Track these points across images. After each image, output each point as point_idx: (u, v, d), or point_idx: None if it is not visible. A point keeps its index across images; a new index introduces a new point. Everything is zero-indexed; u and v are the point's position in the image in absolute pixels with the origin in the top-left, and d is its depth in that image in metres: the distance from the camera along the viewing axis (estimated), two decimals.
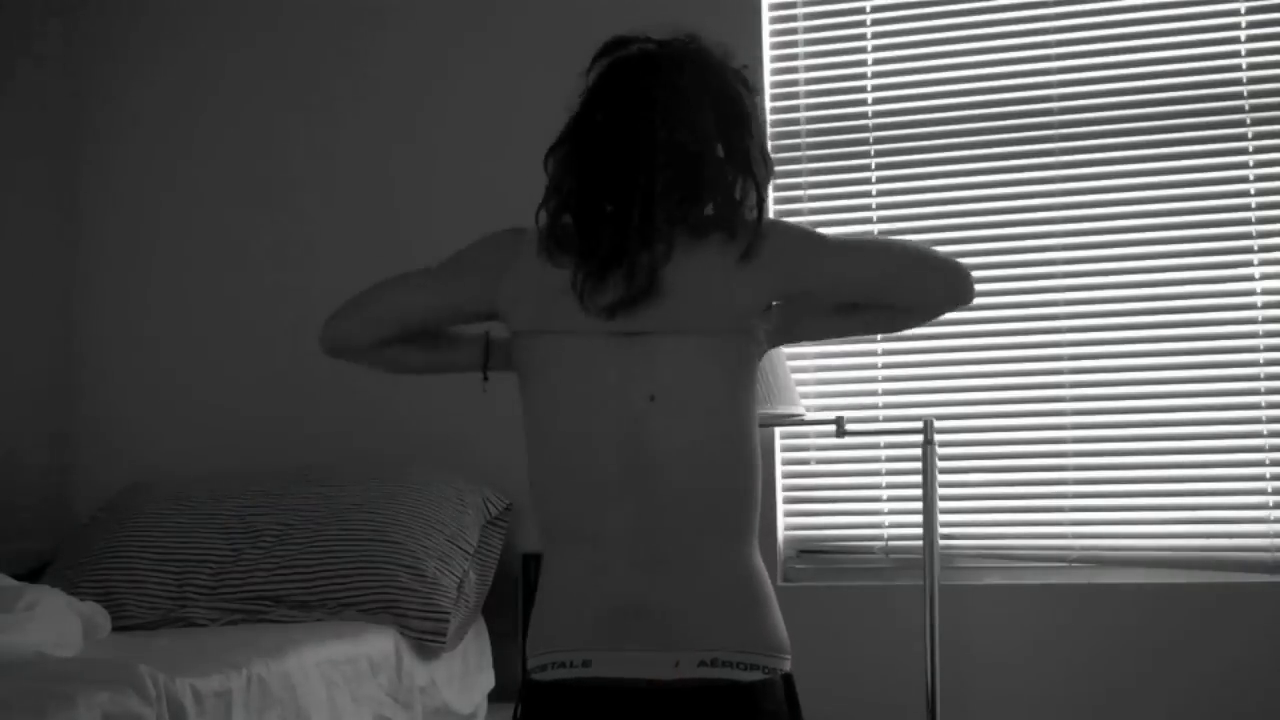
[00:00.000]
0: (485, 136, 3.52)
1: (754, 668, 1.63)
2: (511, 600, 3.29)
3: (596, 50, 1.91)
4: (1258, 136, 3.09)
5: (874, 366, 3.28)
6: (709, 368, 1.67)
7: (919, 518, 2.91)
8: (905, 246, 1.83)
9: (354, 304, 1.86)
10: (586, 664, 1.63)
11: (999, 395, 3.20)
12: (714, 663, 1.61)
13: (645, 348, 1.66)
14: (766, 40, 3.35)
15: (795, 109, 3.35)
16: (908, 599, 3.02)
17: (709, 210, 1.72)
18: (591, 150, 1.74)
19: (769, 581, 1.73)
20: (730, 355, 1.68)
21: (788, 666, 1.70)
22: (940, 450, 2.98)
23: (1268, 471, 3.03)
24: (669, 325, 1.65)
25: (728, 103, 1.77)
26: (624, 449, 1.65)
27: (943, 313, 1.81)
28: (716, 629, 1.63)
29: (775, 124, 3.35)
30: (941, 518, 3.01)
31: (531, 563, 3.28)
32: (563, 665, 1.64)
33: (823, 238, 1.77)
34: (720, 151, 1.73)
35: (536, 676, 1.67)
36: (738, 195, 1.73)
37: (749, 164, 1.74)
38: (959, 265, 1.76)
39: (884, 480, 3.25)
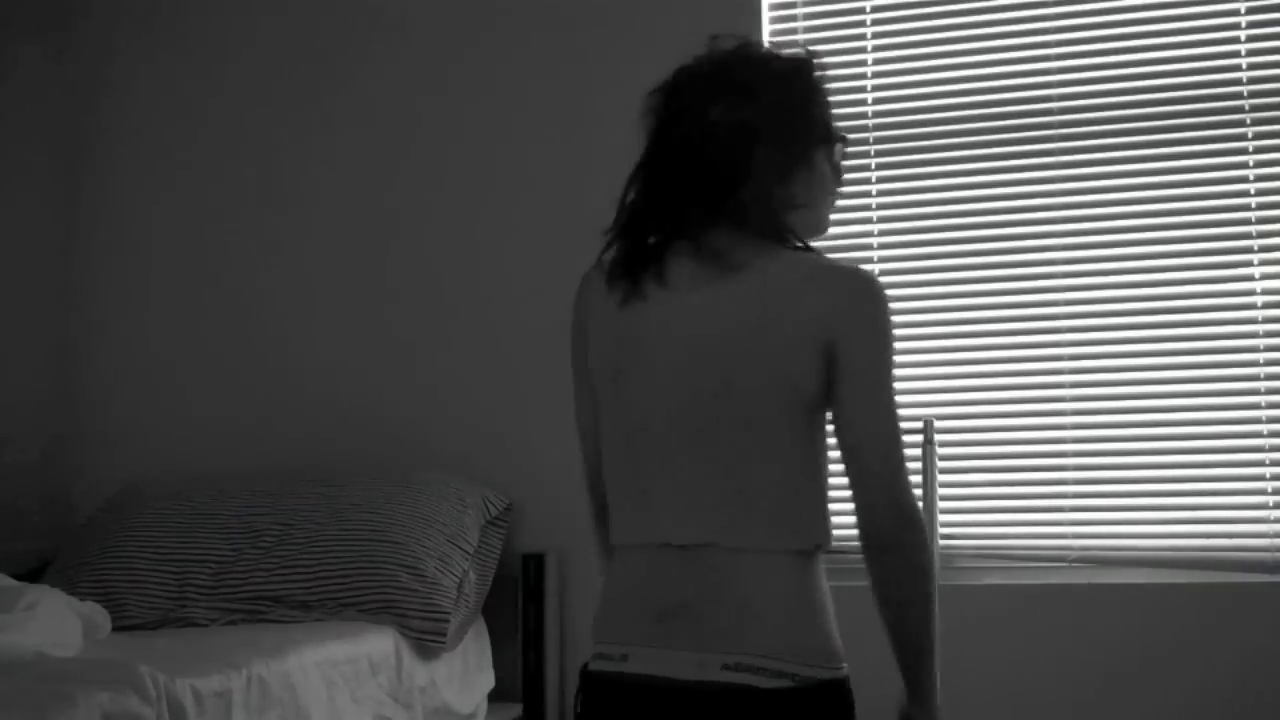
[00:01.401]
0: (488, 143, 3.52)
1: (781, 674, 1.61)
2: (511, 600, 3.29)
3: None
4: (1258, 136, 3.09)
5: None
6: None
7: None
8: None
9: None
10: (624, 658, 1.65)
11: (999, 395, 3.20)
12: (737, 667, 1.60)
13: None
14: (766, 40, 3.35)
15: None
16: None
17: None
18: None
19: (820, 588, 1.75)
20: None
21: (831, 674, 1.71)
22: (940, 450, 2.98)
23: (1268, 471, 3.03)
24: None
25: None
26: None
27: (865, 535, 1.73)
28: (749, 632, 1.63)
29: None
30: (941, 518, 3.01)
31: (531, 563, 3.28)
32: (606, 657, 1.68)
33: None
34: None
35: (589, 665, 1.71)
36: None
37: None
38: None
39: None
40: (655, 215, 1.69)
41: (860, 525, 1.69)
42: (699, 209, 1.67)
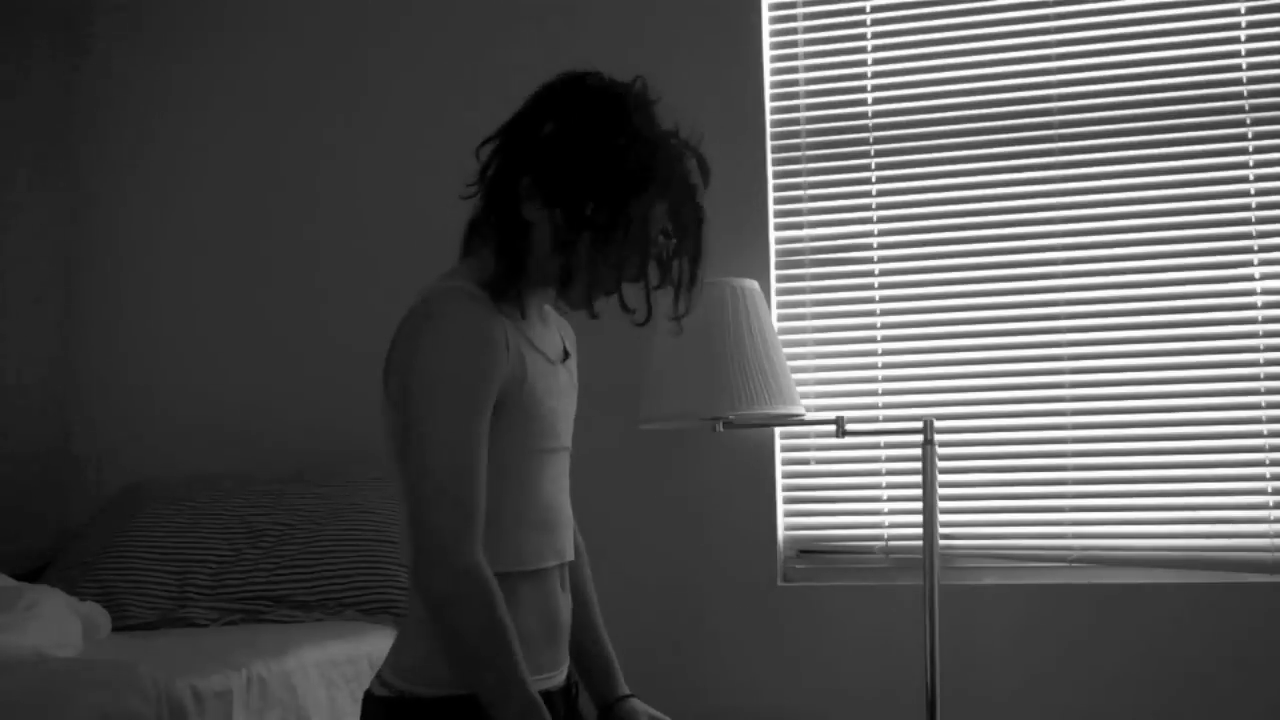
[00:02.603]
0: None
1: (386, 685, 1.67)
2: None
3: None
4: (1258, 136, 3.09)
5: (874, 366, 3.28)
6: None
7: (919, 518, 2.91)
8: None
9: None
10: None
11: (999, 395, 3.20)
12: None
13: None
14: (766, 40, 3.35)
15: (795, 109, 3.35)
16: (908, 599, 3.02)
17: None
18: None
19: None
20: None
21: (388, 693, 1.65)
22: (940, 450, 2.98)
23: (1268, 471, 3.03)
24: None
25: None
26: None
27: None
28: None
29: (775, 124, 3.35)
30: (941, 518, 3.01)
31: None
32: None
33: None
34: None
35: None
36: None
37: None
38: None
39: (884, 480, 3.25)
40: None
41: None
42: None
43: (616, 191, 1.59)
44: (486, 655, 1.53)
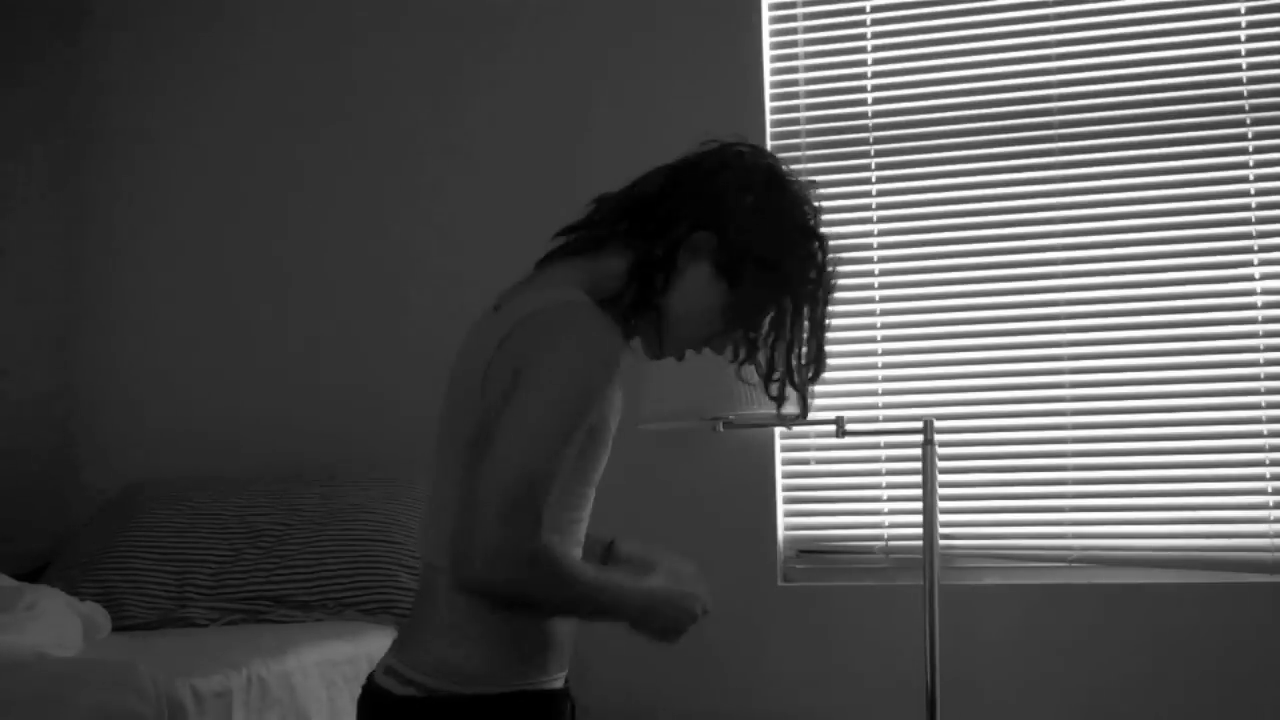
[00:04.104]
0: (492, 150, 3.52)
1: (410, 683, 1.62)
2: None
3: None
4: (1258, 136, 3.09)
5: (874, 366, 3.28)
6: None
7: (919, 518, 2.91)
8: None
9: None
10: None
11: (999, 395, 3.20)
12: (386, 671, 1.66)
13: None
14: (766, 40, 3.35)
15: (795, 109, 3.35)
16: (908, 599, 3.02)
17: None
18: None
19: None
20: None
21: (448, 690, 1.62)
22: (940, 450, 2.98)
23: (1268, 471, 3.03)
24: None
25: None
26: None
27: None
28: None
29: (775, 124, 3.35)
30: (941, 518, 3.01)
31: None
32: None
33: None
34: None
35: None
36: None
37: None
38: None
39: (884, 480, 3.25)
40: None
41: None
42: None
43: (783, 283, 1.67)
44: (580, 605, 1.59)
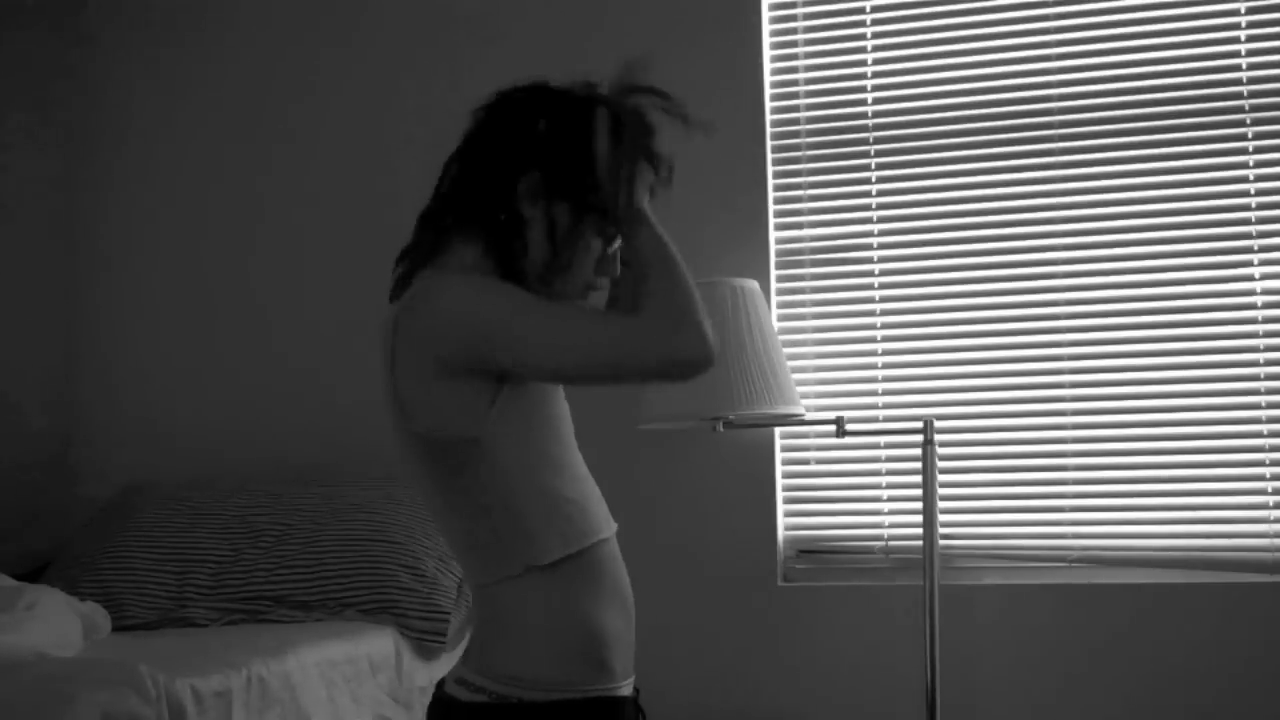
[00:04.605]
0: None
1: (480, 690, 1.63)
2: None
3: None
4: (1258, 136, 3.09)
5: (874, 366, 3.28)
6: None
7: (919, 518, 2.91)
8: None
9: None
10: None
11: (999, 395, 3.20)
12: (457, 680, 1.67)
13: None
14: (766, 40, 3.35)
15: (795, 109, 3.35)
16: (908, 599, 3.02)
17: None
18: None
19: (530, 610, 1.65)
20: None
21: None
22: (940, 450, 2.98)
23: (1268, 471, 3.03)
24: None
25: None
26: None
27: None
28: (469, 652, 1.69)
29: (775, 124, 3.35)
30: (941, 518, 3.01)
31: None
32: None
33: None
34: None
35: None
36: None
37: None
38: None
39: (884, 480, 3.25)
40: None
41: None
42: None
43: (615, 170, 1.67)
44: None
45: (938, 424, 2.92)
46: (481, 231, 1.68)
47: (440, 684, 1.70)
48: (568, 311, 1.65)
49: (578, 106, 1.70)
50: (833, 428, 2.98)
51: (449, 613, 2.95)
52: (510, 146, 1.69)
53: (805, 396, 3.21)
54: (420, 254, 1.72)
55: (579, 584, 1.63)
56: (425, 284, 1.65)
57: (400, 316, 1.64)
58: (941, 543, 2.98)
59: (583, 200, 1.66)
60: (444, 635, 2.92)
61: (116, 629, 2.83)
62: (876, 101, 3.31)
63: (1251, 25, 3.10)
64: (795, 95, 3.35)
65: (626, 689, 1.68)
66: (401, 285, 1.71)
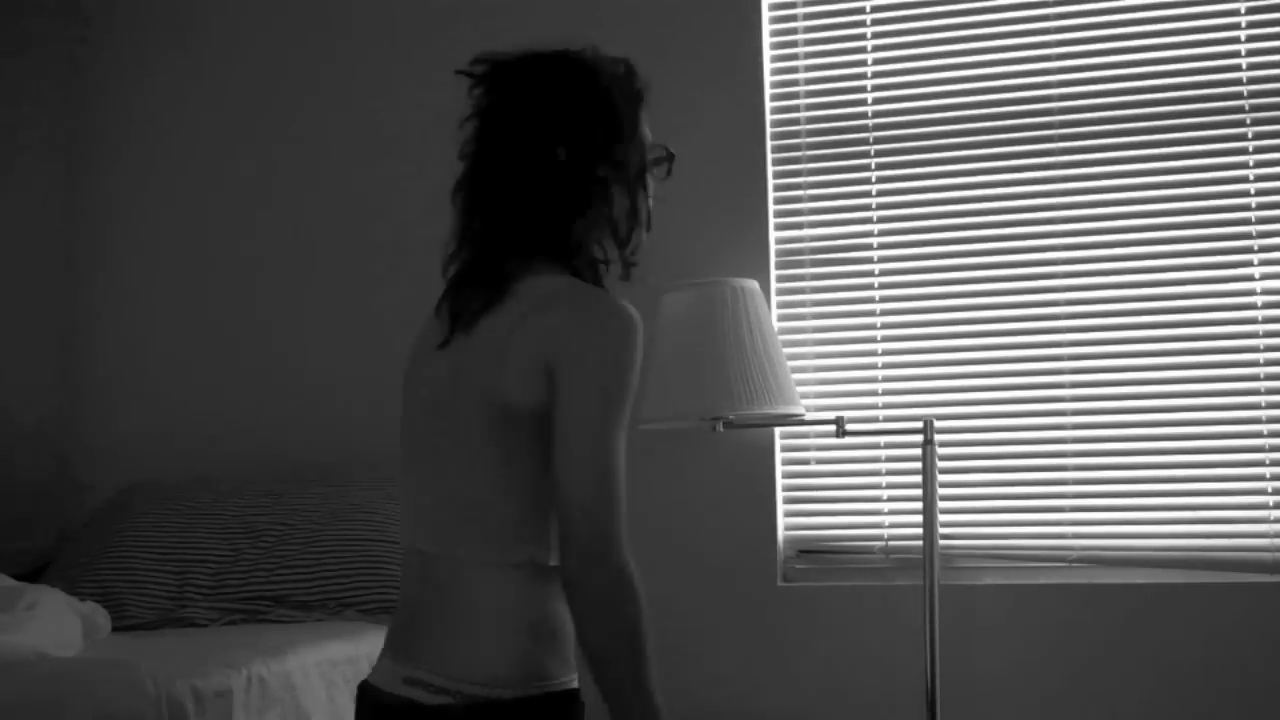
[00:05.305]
0: None
1: (443, 691, 1.59)
2: None
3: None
4: (1258, 136, 3.09)
5: (874, 366, 3.28)
6: None
7: (919, 518, 2.91)
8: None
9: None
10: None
11: (999, 395, 3.20)
12: (409, 681, 1.62)
13: None
14: (766, 40, 3.35)
15: (795, 109, 3.35)
16: (908, 599, 3.02)
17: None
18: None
19: (530, 606, 1.64)
20: None
21: (494, 695, 1.59)
22: (940, 450, 2.98)
23: (1268, 471, 3.03)
24: None
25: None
26: None
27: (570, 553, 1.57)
28: (424, 647, 1.63)
29: (775, 124, 3.35)
30: (941, 518, 3.01)
31: None
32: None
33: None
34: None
35: None
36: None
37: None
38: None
39: (884, 480, 3.25)
40: None
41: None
42: None
43: (637, 139, 1.76)
44: (634, 656, 1.58)
45: (938, 424, 2.92)
46: (572, 212, 1.70)
47: (370, 687, 1.66)
48: (618, 447, 1.59)
49: (589, 72, 1.82)
50: (833, 428, 2.98)
51: None
52: (540, 123, 1.77)
53: (805, 396, 3.21)
54: (506, 242, 1.71)
55: (556, 586, 1.61)
56: (587, 297, 1.65)
57: (554, 304, 1.62)
58: (941, 543, 2.98)
59: (622, 162, 1.71)
60: None
61: (116, 629, 2.83)
62: (876, 101, 3.31)
63: (1251, 25, 3.10)
64: (795, 95, 3.35)
65: (576, 680, 1.68)
66: (495, 266, 1.69)
